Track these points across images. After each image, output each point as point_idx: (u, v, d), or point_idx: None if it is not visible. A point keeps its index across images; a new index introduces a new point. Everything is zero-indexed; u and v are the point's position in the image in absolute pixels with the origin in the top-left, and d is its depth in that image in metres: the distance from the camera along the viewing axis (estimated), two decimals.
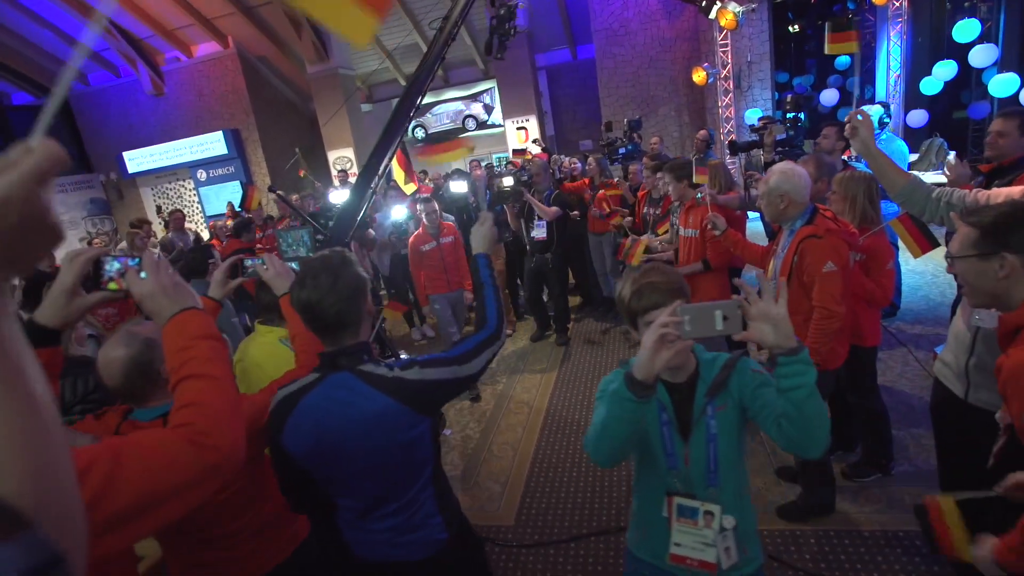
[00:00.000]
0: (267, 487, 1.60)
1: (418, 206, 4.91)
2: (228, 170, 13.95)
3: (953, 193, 1.96)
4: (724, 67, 9.87)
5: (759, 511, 2.80)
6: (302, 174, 9.78)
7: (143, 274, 1.07)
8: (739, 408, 1.39)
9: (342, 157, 13.52)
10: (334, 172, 13.06)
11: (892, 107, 8.71)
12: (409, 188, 6.33)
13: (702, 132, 7.16)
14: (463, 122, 15.17)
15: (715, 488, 1.39)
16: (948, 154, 7.47)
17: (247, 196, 7.84)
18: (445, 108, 15.21)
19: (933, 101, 8.97)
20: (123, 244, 6.81)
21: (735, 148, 4.83)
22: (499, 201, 5.49)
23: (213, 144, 13.74)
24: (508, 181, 5.34)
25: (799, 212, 2.42)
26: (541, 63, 14.16)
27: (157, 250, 5.77)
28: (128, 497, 0.78)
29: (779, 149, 4.06)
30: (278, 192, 6.23)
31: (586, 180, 5.97)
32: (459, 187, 6.16)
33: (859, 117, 1.99)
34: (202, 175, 14.26)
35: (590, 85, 12.63)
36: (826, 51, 8.11)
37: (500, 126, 14.44)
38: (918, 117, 8.63)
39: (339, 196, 6.17)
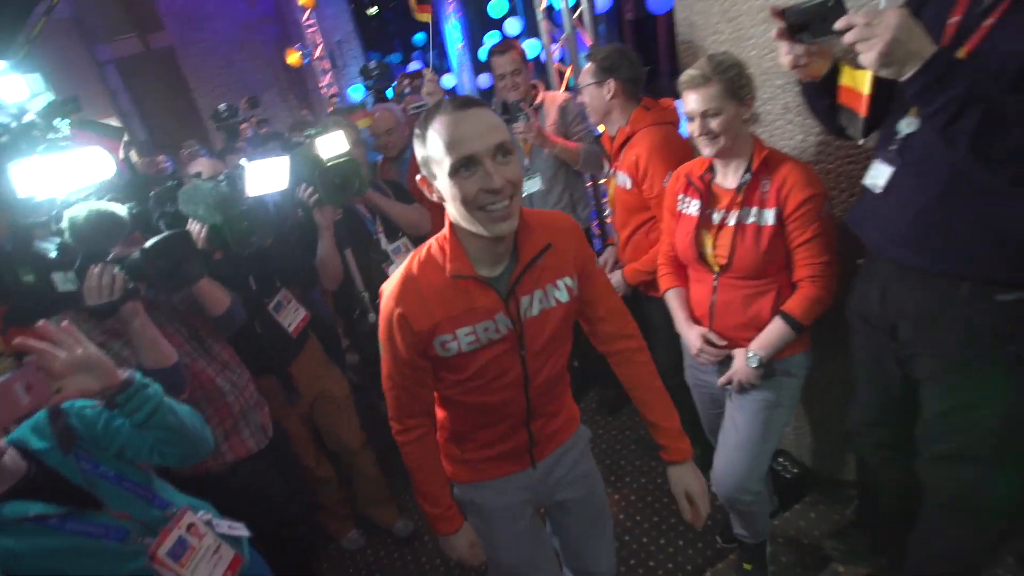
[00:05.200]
0: None
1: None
2: None
3: None
4: (316, 47, 10.10)
5: None
6: None
7: None
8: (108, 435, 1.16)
9: None
10: None
11: (464, 73, 10.52)
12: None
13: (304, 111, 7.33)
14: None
15: (166, 508, 1.18)
16: None
17: None
18: None
19: None
20: None
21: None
22: (333, 194, 2.04)
23: None
24: (335, 143, 1.99)
25: (403, 147, 2.78)
26: (105, 56, 12.00)
27: None
28: None
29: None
30: None
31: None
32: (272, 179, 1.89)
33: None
34: None
35: (179, 76, 11.35)
36: (416, 18, 9.05)
37: None
38: (486, 79, 10.50)
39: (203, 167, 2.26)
